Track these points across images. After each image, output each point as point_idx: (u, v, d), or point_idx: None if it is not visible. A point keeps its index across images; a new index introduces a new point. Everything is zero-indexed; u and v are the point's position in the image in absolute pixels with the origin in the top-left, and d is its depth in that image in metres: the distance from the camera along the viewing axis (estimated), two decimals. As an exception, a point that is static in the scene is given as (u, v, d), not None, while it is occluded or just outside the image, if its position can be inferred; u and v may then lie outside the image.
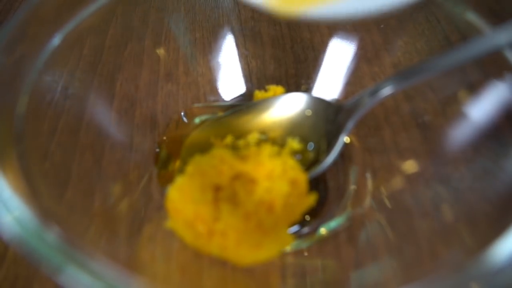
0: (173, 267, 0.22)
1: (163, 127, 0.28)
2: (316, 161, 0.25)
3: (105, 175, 0.24)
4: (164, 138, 0.28)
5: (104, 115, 0.27)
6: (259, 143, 0.26)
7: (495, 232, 0.17)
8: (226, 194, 0.23)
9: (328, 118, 0.26)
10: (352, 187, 0.26)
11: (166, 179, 0.25)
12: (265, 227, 0.22)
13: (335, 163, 0.25)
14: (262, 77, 0.31)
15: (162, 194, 0.24)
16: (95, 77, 0.27)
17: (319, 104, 0.27)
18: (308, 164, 0.25)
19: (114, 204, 0.23)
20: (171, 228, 0.22)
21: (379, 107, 0.27)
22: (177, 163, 0.26)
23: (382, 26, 0.30)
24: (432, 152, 0.26)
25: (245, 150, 0.25)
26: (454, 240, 0.21)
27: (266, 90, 0.29)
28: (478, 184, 0.22)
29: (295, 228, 0.24)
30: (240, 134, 0.27)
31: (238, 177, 0.24)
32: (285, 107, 0.27)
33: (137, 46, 0.30)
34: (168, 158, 0.27)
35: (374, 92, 0.24)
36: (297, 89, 0.30)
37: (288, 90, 0.29)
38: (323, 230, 0.24)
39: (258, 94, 0.29)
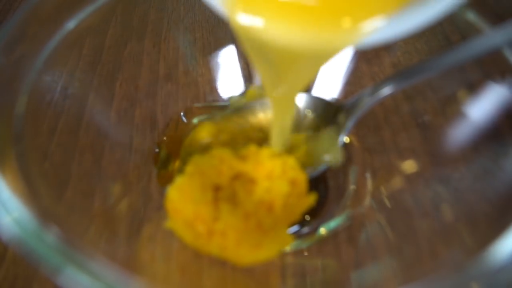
0: (172, 267, 0.22)
1: (162, 127, 0.28)
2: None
3: (105, 175, 0.24)
4: (164, 138, 0.28)
5: (103, 115, 0.27)
6: (259, 143, 0.26)
7: (495, 232, 0.17)
8: (226, 194, 0.23)
9: (327, 117, 0.26)
10: (352, 187, 0.26)
11: (165, 179, 0.25)
12: (265, 227, 0.22)
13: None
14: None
15: (162, 194, 0.24)
16: (95, 77, 0.27)
17: (319, 104, 0.27)
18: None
19: (113, 204, 0.23)
20: (170, 228, 0.22)
21: (378, 107, 0.27)
22: (177, 163, 0.26)
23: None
24: (432, 152, 0.26)
25: (244, 150, 0.25)
26: (454, 240, 0.21)
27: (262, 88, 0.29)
28: (478, 184, 0.22)
29: (295, 228, 0.24)
30: (240, 134, 0.27)
31: (237, 177, 0.24)
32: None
33: (136, 46, 0.30)
34: (167, 158, 0.27)
35: (374, 91, 0.24)
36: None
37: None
38: (323, 230, 0.24)
39: (251, 91, 0.29)
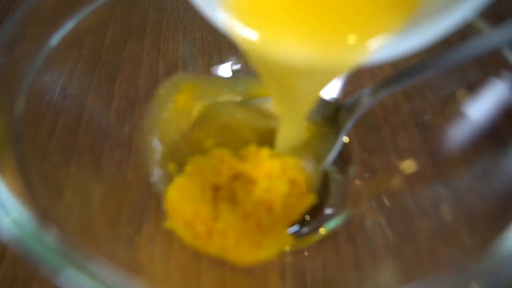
0: (172, 267, 0.22)
1: (162, 127, 0.28)
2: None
3: (104, 175, 0.24)
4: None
5: (103, 115, 0.26)
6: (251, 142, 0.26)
7: (494, 232, 0.17)
8: (225, 194, 0.23)
9: (327, 117, 0.26)
10: (352, 186, 0.26)
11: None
12: (265, 227, 0.22)
13: (334, 162, 0.25)
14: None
15: (162, 194, 0.24)
16: (94, 77, 0.27)
17: (318, 104, 0.27)
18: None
19: (113, 205, 0.23)
20: (170, 228, 0.22)
21: (378, 107, 0.27)
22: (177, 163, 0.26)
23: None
24: (431, 152, 0.25)
25: (244, 150, 0.25)
26: (454, 240, 0.21)
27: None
28: (477, 184, 0.22)
29: (294, 228, 0.24)
30: (239, 134, 0.27)
31: (237, 177, 0.24)
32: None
33: (136, 46, 0.30)
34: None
35: (373, 91, 0.24)
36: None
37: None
38: (322, 230, 0.24)
39: (254, 88, 0.29)
